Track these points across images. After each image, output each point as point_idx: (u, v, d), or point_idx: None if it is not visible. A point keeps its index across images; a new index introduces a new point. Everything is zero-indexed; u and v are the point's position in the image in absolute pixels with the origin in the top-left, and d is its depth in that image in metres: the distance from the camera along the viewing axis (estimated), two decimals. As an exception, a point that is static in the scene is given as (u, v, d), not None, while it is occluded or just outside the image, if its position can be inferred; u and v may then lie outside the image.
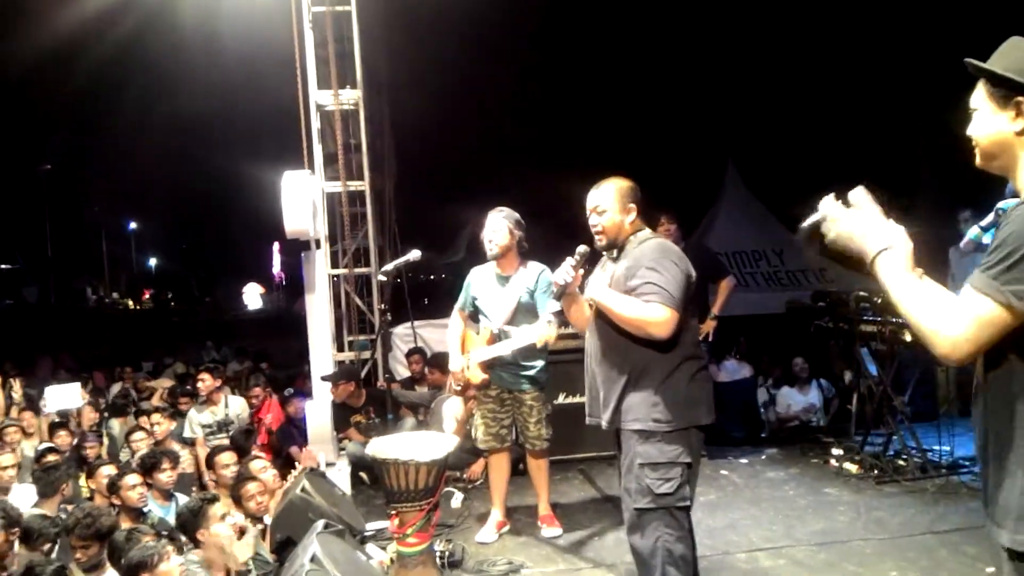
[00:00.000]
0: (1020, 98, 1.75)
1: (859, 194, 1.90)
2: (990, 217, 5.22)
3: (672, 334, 3.18)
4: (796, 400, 7.66)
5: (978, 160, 1.87)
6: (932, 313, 1.70)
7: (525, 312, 4.75)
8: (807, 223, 1.98)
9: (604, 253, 3.51)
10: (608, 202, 3.43)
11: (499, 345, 4.75)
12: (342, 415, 6.63)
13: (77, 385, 6.74)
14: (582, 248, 3.50)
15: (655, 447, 3.19)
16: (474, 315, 4.98)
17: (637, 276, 3.24)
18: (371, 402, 6.71)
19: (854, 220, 1.88)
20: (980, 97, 1.83)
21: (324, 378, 6.47)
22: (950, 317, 1.68)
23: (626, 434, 3.29)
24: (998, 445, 1.75)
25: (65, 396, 6.61)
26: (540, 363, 4.80)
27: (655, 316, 3.15)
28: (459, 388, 5.09)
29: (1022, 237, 1.63)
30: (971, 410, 1.87)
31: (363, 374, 7.81)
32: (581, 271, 3.48)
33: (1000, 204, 4.72)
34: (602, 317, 3.36)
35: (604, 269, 3.49)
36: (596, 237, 3.46)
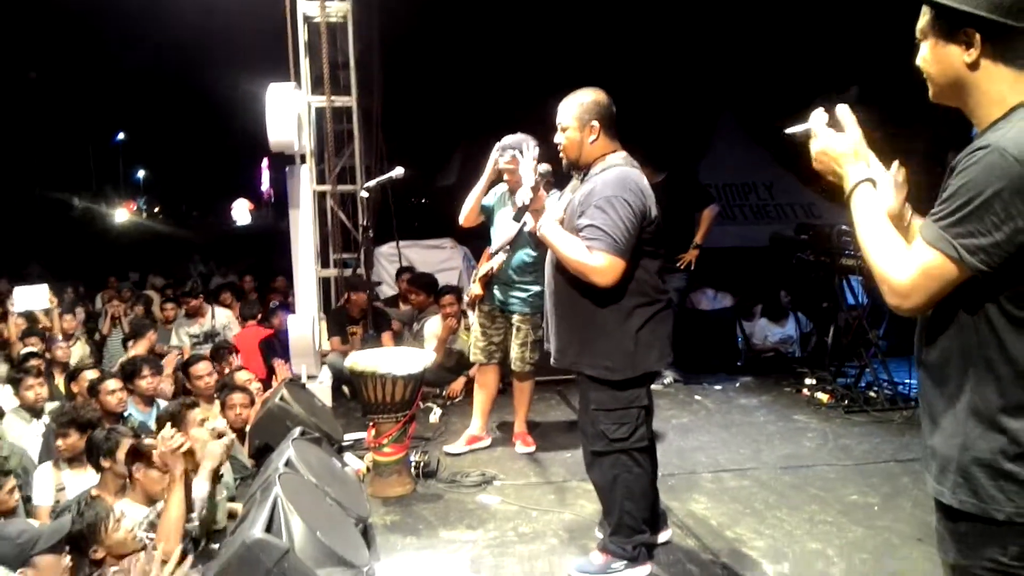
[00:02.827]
0: (969, 29, 1.60)
1: (845, 113, 1.82)
2: None
3: (616, 281, 3.02)
4: (773, 332, 7.76)
5: (931, 94, 1.74)
6: (888, 260, 1.64)
7: (532, 236, 4.73)
8: (793, 130, 1.93)
9: (572, 174, 3.33)
10: (568, 118, 3.19)
11: (485, 264, 4.82)
12: (338, 322, 6.73)
13: (45, 287, 6.72)
14: (543, 167, 3.36)
15: (607, 394, 3.14)
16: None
17: (586, 214, 3.04)
18: (368, 316, 6.80)
19: (838, 143, 1.81)
20: (924, 27, 1.70)
21: (348, 281, 6.61)
22: (901, 267, 1.62)
23: (579, 373, 3.24)
24: (932, 395, 1.72)
25: (32, 297, 6.62)
26: (535, 288, 4.70)
27: (594, 264, 2.99)
28: (469, 299, 5.15)
29: (976, 186, 1.52)
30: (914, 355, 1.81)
31: (347, 292, 7.86)
32: (544, 192, 3.30)
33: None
34: None
35: (573, 193, 3.27)
36: (560, 156, 3.27)
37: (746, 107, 11.41)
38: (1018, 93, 1.60)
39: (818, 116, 1.86)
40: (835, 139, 1.82)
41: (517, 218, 3.38)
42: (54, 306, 6.83)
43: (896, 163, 1.95)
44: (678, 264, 6.30)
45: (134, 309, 8.64)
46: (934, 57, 1.69)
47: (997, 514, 1.60)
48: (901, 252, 1.64)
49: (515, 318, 4.87)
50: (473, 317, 5.13)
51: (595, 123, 3.16)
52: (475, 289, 4.94)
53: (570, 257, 3.07)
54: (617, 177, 3.09)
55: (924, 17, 1.69)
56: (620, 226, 2.99)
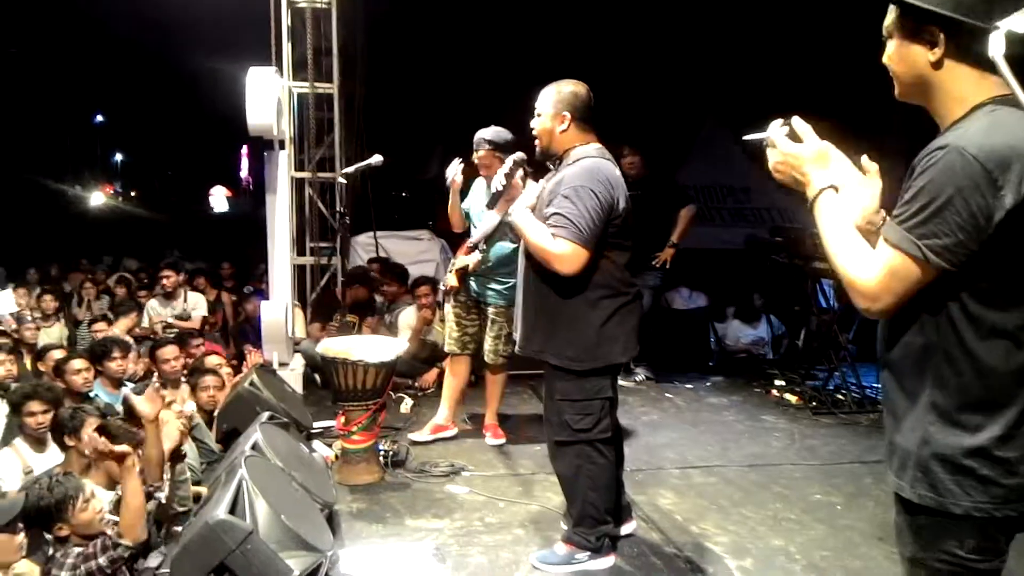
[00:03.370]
0: (933, 28, 1.62)
1: (800, 124, 1.82)
2: None
3: (579, 271, 3.03)
4: (746, 333, 7.83)
5: (896, 92, 1.76)
6: (854, 265, 1.65)
7: (511, 228, 4.74)
8: (750, 138, 1.94)
9: (550, 165, 3.34)
10: (543, 104, 3.21)
11: (461, 258, 4.83)
12: (326, 309, 6.73)
13: (9, 291, 6.68)
14: (517, 155, 3.36)
15: (572, 384, 3.15)
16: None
17: (553, 203, 3.06)
18: (354, 305, 6.82)
19: (799, 150, 1.80)
20: (890, 25, 1.71)
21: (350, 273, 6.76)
22: (868, 270, 1.63)
23: (545, 364, 3.25)
24: (894, 391, 1.73)
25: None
26: (512, 280, 4.62)
27: (557, 251, 3.00)
28: (445, 290, 5.15)
29: (938, 186, 1.53)
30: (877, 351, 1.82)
31: (324, 280, 7.84)
32: (519, 180, 3.31)
33: None
34: None
35: (547, 182, 3.28)
36: (534, 142, 3.28)
37: (729, 113, 11.49)
38: (980, 92, 1.61)
39: (776, 126, 1.86)
40: (795, 147, 1.81)
41: (491, 205, 3.40)
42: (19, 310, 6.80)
43: (865, 156, 1.95)
44: (654, 263, 6.33)
45: (115, 290, 8.58)
46: (899, 55, 1.70)
47: (954, 508, 1.62)
48: (867, 256, 1.65)
49: (491, 310, 4.87)
50: (448, 308, 5.14)
51: (566, 113, 3.18)
52: (451, 280, 4.95)
53: (536, 243, 3.08)
54: (586, 168, 3.10)
55: (890, 16, 1.70)
56: (586, 216, 3.00)
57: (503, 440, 5.01)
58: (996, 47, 1.33)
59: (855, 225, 1.75)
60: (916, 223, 1.56)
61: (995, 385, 1.60)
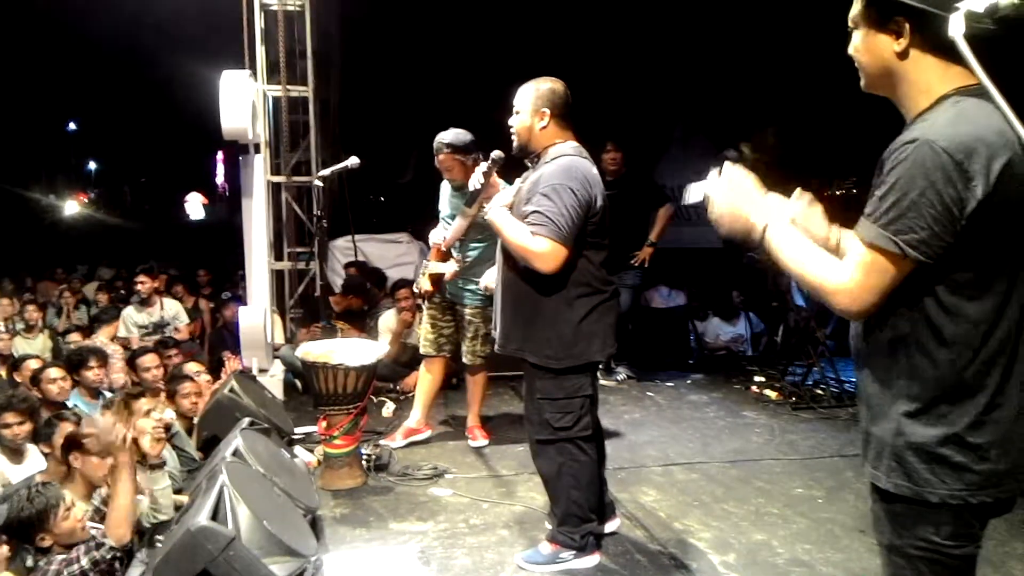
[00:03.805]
0: (899, 17, 1.63)
1: (730, 171, 1.85)
2: None
3: (558, 268, 3.03)
4: (725, 331, 7.87)
5: (863, 83, 1.77)
6: (826, 270, 1.66)
7: (480, 228, 4.74)
8: (691, 201, 1.98)
9: (527, 163, 3.33)
10: (522, 102, 3.21)
11: (436, 264, 4.80)
12: (314, 316, 6.70)
13: None
14: (496, 153, 3.35)
15: (552, 382, 3.16)
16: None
17: (532, 201, 3.06)
18: (346, 312, 6.80)
19: (734, 198, 1.83)
20: (856, 16, 1.72)
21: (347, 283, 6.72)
22: (843, 273, 1.63)
23: (524, 362, 3.25)
24: (868, 382, 1.76)
25: None
26: None
27: (537, 248, 3.00)
28: (419, 293, 5.12)
29: (910, 181, 1.54)
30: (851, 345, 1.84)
31: (302, 285, 7.80)
32: (496, 178, 3.31)
33: None
34: None
35: (524, 181, 3.28)
36: (513, 140, 3.28)
37: (703, 114, 11.56)
38: (945, 83, 1.63)
39: (707, 184, 1.88)
40: (730, 196, 1.84)
41: (469, 203, 3.40)
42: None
43: (798, 190, 1.99)
44: (632, 262, 6.36)
45: (97, 298, 8.49)
46: (865, 46, 1.71)
47: (931, 496, 1.64)
48: (836, 262, 1.66)
49: (467, 311, 4.86)
50: (423, 310, 5.12)
51: (546, 110, 3.18)
52: (424, 284, 4.93)
53: (514, 241, 3.07)
54: (565, 166, 3.10)
55: (856, 6, 1.72)
56: (565, 213, 3.00)
57: (486, 441, 5.00)
58: (956, 28, 1.35)
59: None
60: (891, 219, 1.56)
61: (967, 374, 1.62)
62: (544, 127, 3.20)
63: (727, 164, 1.88)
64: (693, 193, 1.94)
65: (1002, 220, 1.57)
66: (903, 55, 1.65)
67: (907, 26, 1.63)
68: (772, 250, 1.78)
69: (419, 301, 5.28)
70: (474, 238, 4.71)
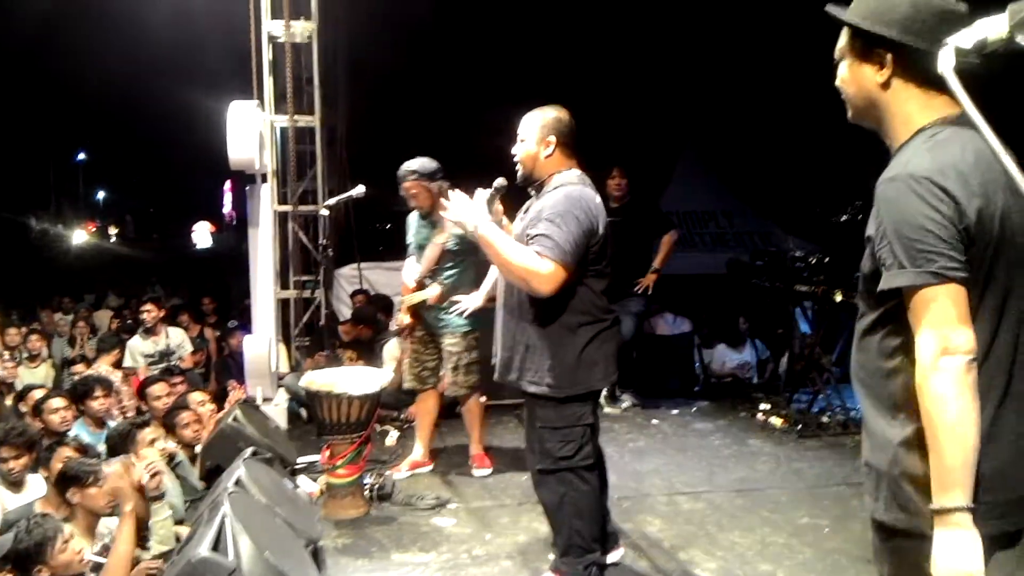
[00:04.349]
0: (881, 49, 1.67)
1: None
2: None
3: (556, 290, 3.01)
4: (731, 357, 7.85)
5: (849, 115, 1.81)
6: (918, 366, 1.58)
7: (452, 255, 4.77)
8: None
9: (531, 191, 3.33)
10: (527, 130, 3.23)
11: (414, 295, 4.83)
12: (322, 346, 6.73)
13: None
14: (499, 181, 3.34)
15: (553, 411, 3.14)
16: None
17: (537, 226, 3.06)
18: (355, 342, 6.81)
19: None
20: (842, 47, 1.76)
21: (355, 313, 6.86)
22: (924, 347, 1.56)
23: (525, 392, 3.24)
24: (867, 410, 1.74)
25: None
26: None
27: (538, 268, 2.97)
28: (398, 329, 5.14)
29: (907, 219, 1.56)
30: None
31: (307, 314, 7.82)
32: (499, 205, 3.30)
33: None
34: None
35: (525, 212, 3.29)
36: (516, 168, 3.30)
37: (708, 142, 11.62)
38: (925, 114, 1.67)
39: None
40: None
41: None
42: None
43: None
44: (636, 288, 6.36)
45: (111, 325, 8.53)
46: (851, 77, 1.76)
47: (927, 529, 1.61)
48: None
49: (446, 342, 4.84)
50: (406, 345, 5.13)
51: (552, 138, 3.19)
52: (404, 319, 4.95)
53: (510, 259, 3.01)
54: (568, 195, 3.11)
55: (842, 38, 1.76)
56: (570, 238, 3.00)
57: (490, 470, 4.98)
58: (945, 63, 1.37)
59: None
60: (913, 258, 1.56)
61: None
62: (549, 155, 3.21)
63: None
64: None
65: (984, 249, 1.59)
66: (885, 85, 1.69)
67: (889, 57, 1.67)
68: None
69: (402, 338, 5.30)
70: (446, 266, 4.74)
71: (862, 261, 1.75)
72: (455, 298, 4.66)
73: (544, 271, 2.98)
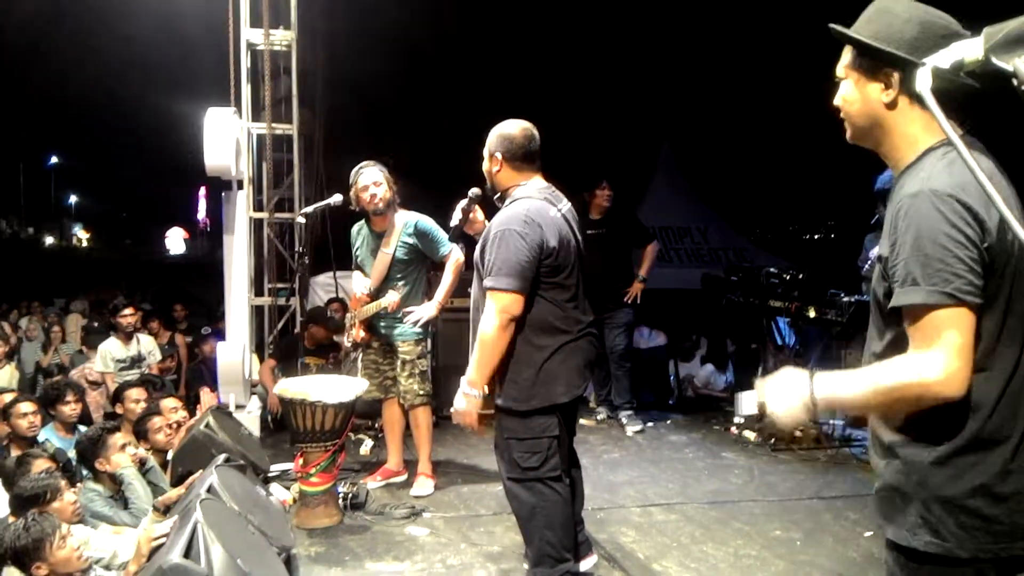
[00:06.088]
0: (888, 69, 1.65)
1: (773, 379, 1.81)
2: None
3: (519, 313, 3.02)
4: (718, 379, 7.89)
5: (848, 135, 1.78)
6: (903, 374, 1.56)
7: (402, 265, 4.76)
8: (744, 413, 2.02)
9: (497, 203, 3.32)
10: (485, 147, 3.27)
11: (368, 306, 4.81)
12: (289, 353, 6.63)
13: None
14: (473, 191, 3.40)
15: (518, 423, 3.13)
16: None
17: (486, 249, 3.09)
18: (322, 347, 6.73)
19: (780, 403, 1.76)
20: (847, 66, 1.73)
21: (309, 313, 6.68)
22: (920, 355, 1.55)
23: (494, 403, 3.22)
24: (886, 430, 1.70)
25: None
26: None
27: (493, 306, 3.00)
28: (352, 343, 5.08)
29: (926, 236, 1.53)
30: None
31: (282, 321, 7.76)
32: (476, 213, 3.34)
33: (879, 185, 4.72)
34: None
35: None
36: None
37: (684, 138, 11.69)
38: (929, 135, 1.66)
39: (755, 394, 1.87)
40: (779, 399, 1.78)
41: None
42: None
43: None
44: (624, 299, 6.40)
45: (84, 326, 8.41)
46: (856, 95, 1.72)
47: (961, 552, 1.58)
48: (900, 360, 1.59)
49: (401, 349, 4.81)
50: (360, 359, 5.10)
51: (498, 155, 3.21)
52: (358, 334, 4.92)
53: (481, 331, 3.05)
54: (511, 212, 3.10)
55: (846, 56, 1.74)
56: (512, 261, 2.99)
57: (432, 489, 4.82)
58: (923, 82, 1.37)
59: None
60: (927, 274, 1.53)
61: (990, 424, 1.59)
62: (498, 171, 3.23)
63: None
64: (746, 404, 1.89)
65: (1005, 265, 1.57)
66: (891, 105, 1.67)
67: (895, 76, 1.65)
68: (836, 404, 1.71)
69: (355, 353, 5.25)
70: (395, 276, 4.73)
71: (873, 283, 1.72)
72: (407, 309, 4.70)
73: (496, 305, 3.00)
